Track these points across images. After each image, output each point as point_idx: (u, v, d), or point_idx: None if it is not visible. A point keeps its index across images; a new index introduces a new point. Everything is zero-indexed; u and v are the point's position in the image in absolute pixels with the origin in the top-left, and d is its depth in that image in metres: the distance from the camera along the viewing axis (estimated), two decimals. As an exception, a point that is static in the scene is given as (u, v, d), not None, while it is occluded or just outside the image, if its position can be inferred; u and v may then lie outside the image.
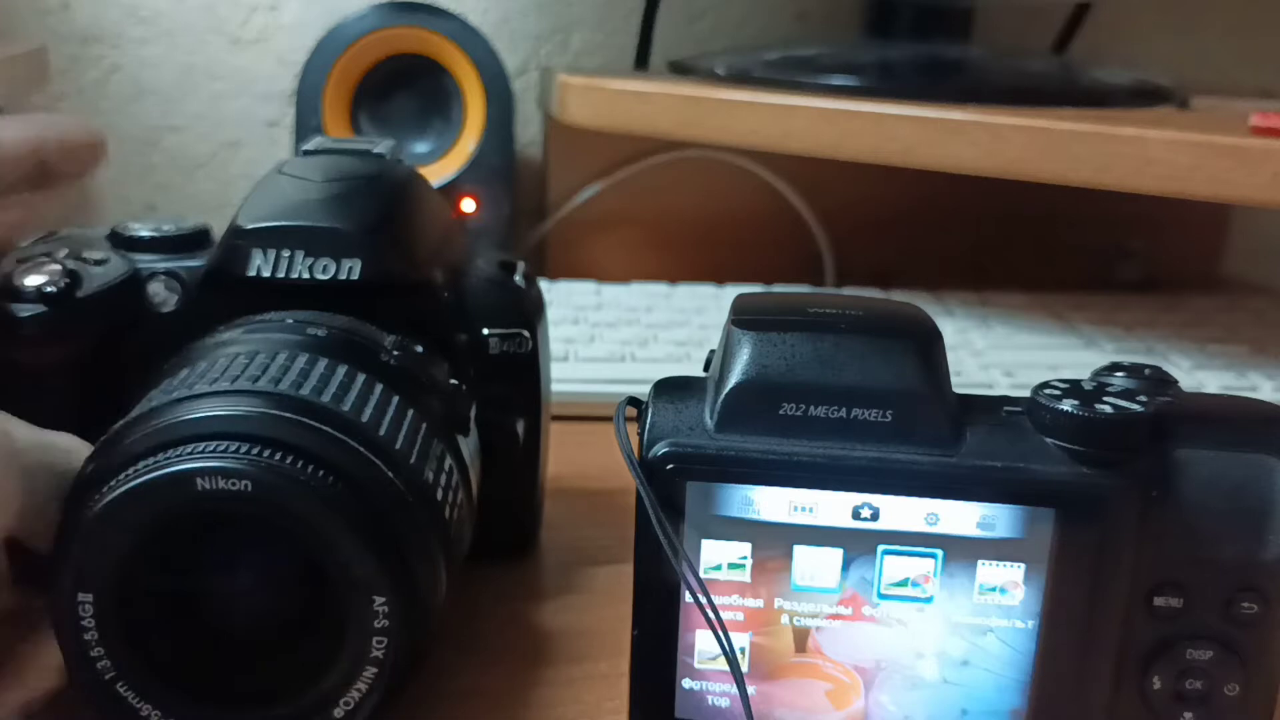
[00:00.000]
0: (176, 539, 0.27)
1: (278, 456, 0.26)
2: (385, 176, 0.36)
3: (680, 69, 0.67)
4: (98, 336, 0.34)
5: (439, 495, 0.29)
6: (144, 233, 0.35)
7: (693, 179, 0.71)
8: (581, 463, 0.46)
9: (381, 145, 0.37)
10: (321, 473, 0.26)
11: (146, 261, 0.35)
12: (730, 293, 0.63)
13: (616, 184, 0.71)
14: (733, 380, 0.27)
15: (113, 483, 0.26)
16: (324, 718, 0.27)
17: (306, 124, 0.66)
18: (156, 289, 0.35)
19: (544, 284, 0.63)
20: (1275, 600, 0.26)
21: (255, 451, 0.26)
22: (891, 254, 0.72)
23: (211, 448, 0.26)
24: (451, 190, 0.67)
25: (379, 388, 0.30)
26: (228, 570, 0.28)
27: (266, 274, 0.33)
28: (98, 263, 0.34)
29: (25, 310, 0.32)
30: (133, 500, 0.25)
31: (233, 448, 0.26)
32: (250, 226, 0.33)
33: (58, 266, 0.33)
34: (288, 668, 0.27)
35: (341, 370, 0.29)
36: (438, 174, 0.67)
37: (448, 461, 0.30)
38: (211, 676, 0.27)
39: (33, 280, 0.33)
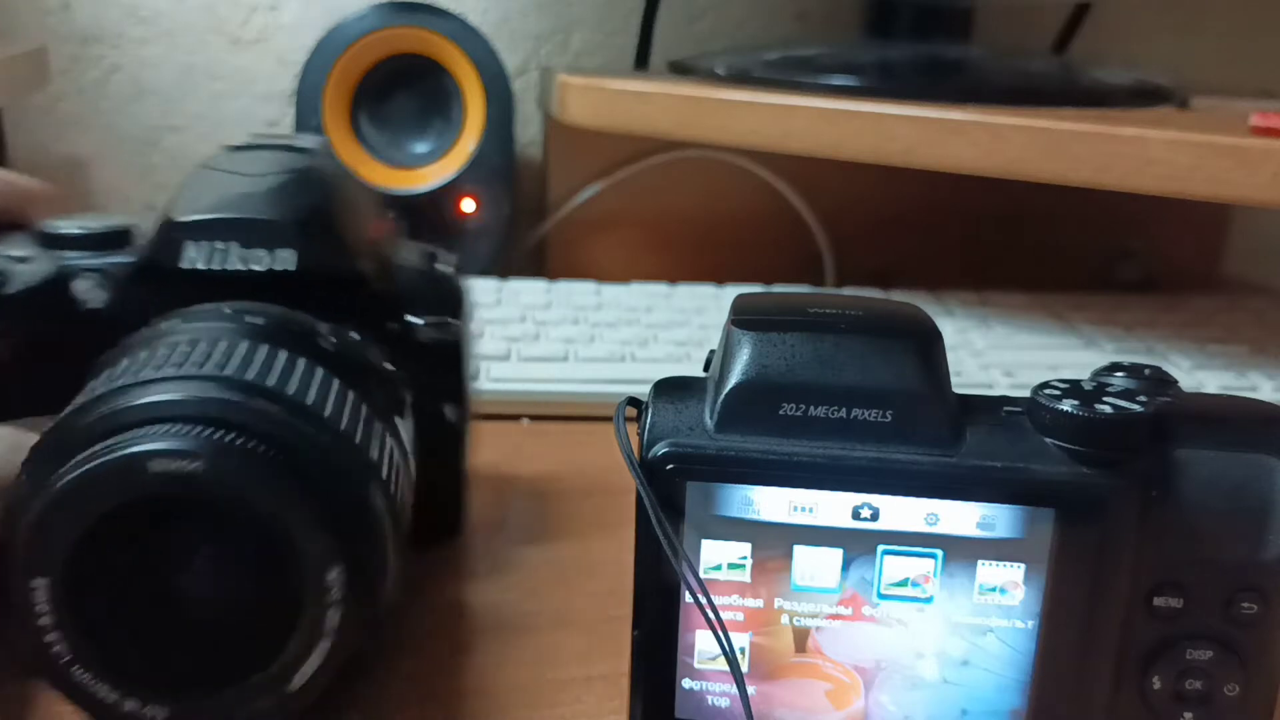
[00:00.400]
0: (130, 521, 0.27)
1: (229, 437, 0.26)
2: (315, 170, 0.36)
3: (680, 69, 0.67)
4: (25, 335, 0.34)
5: (384, 473, 0.29)
6: (69, 230, 0.35)
7: (693, 179, 0.71)
8: (581, 462, 0.46)
9: (310, 140, 0.38)
10: (273, 451, 0.26)
11: (72, 259, 0.34)
12: (730, 293, 0.63)
13: (616, 184, 0.71)
14: (733, 380, 0.27)
15: (64, 469, 0.26)
16: (280, 691, 0.27)
17: (306, 124, 0.66)
18: (82, 286, 0.34)
19: (544, 284, 0.63)
20: (1275, 600, 0.26)
21: (207, 433, 0.26)
22: (891, 254, 0.72)
23: (163, 430, 0.26)
24: (451, 190, 0.67)
25: (320, 372, 0.30)
26: (182, 550, 0.28)
27: (201, 266, 0.33)
28: (21, 260, 0.34)
29: None
30: (86, 485, 0.26)
31: (184, 430, 0.26)
32: (183, 220, 0.33)
33: None
34: (244, 645, 0.27)
35: (283, 355, 0.30)
36: (438, 174, 0.68)
37: (389, 442, 0.31)
38: (168, 656, 0.28)
39: None
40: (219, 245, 0.33)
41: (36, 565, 0.26)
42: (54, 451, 0.27)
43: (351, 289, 0.35)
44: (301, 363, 0.30)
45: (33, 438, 0.29)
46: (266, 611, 0.27)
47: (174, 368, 0.28)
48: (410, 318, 0.36)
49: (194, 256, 0.33)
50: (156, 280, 0.33)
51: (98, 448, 0.26)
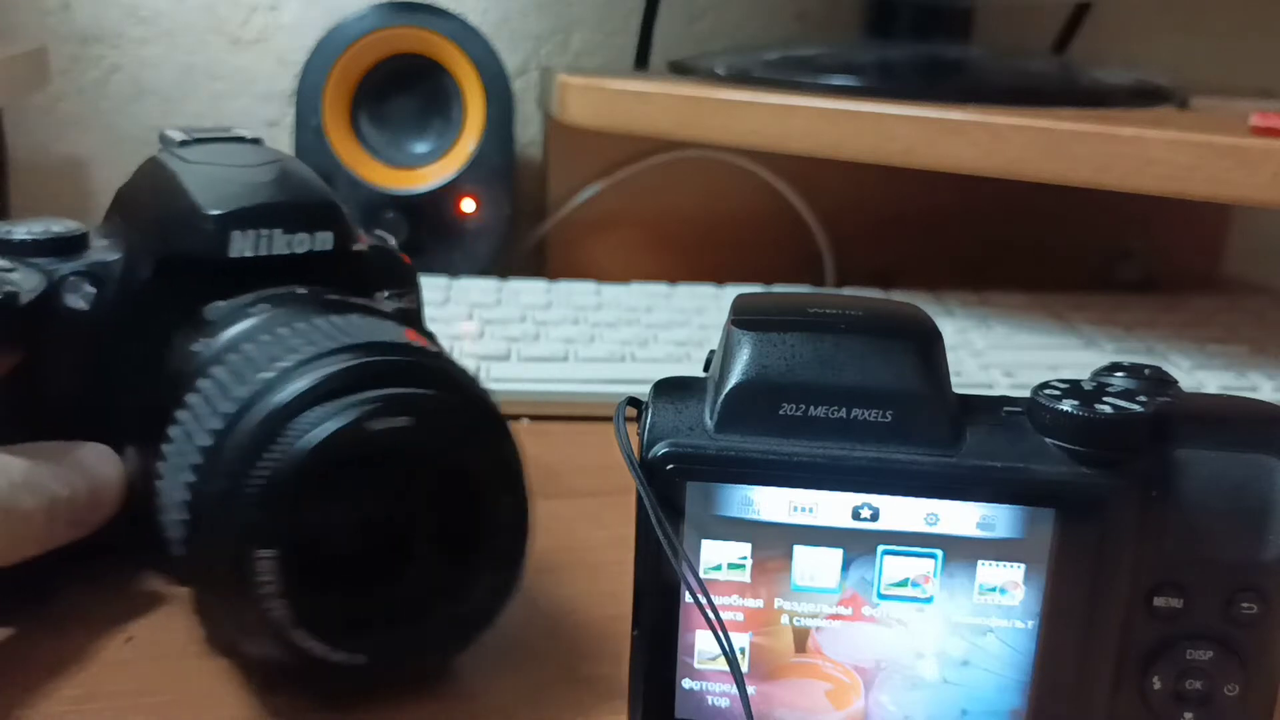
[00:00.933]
0: (340, 483, 0.28)
1: (423, 391, 0.29)
2: (292, 158, 0.37)
3: (680, 69, 0.67)
4: (30, 344, 0.34)
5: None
6: (28, 237, 0.34)
7: (693, 179, 0.71)
8: (581, 462, 0.46)
9: (246, 132, 0.39)
10: (454, 400, 0.30)
11: (48, 265, 0.34)
12: (730, 293, 0.63)
13: (616, 184, 0.71)
14: (733, 380, 0.27)
15: (280, 445, 0.27)
16: (457, 618, 0.30)
17: (306, 124, 0.66)
18: (70, 290, 0.34)
19: (544, 284, 0.63)
20: (1275, 600, 0.26)
21: (404, 393, 0.29)
22: (891, 254, 0.72)
23: (364, 396, 0.28)
24: (451, 190, 0.67)
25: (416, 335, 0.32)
26: (374, 503, 0.30)
27: (249, 253, 0.34)
28: (7, 270, 0.33)
29: None
30: (318, 452, 0.27)
31: (384, 393, 0.28)
32: (220, 211, 0.34)
33: None
34: (423, 581, 0.30)
35: (389, 323, 0.32)
36: (438, 174, 0.68)
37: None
38: (362, 604, 0.30)
39: None
40: (264, 232, 0.34)
41: (263, 537, 0.27)
42: (253, 436, 0.28)
43: (355, 265, 0.36)
44: (401, 327, 0.32)
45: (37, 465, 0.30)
46: (445, 550, 0.31)
47: (326, 341, 0.30)
48: (381, 291, 0.38)
49: (241, 245, 0.34)
50: (196, 272, 0.34)
51: (310, 418, 0.28)
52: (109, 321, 0.34)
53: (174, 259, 0.34)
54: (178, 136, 0.37)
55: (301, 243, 0.34)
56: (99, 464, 0.33)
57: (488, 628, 0.31)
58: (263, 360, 0.29)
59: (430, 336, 0.37)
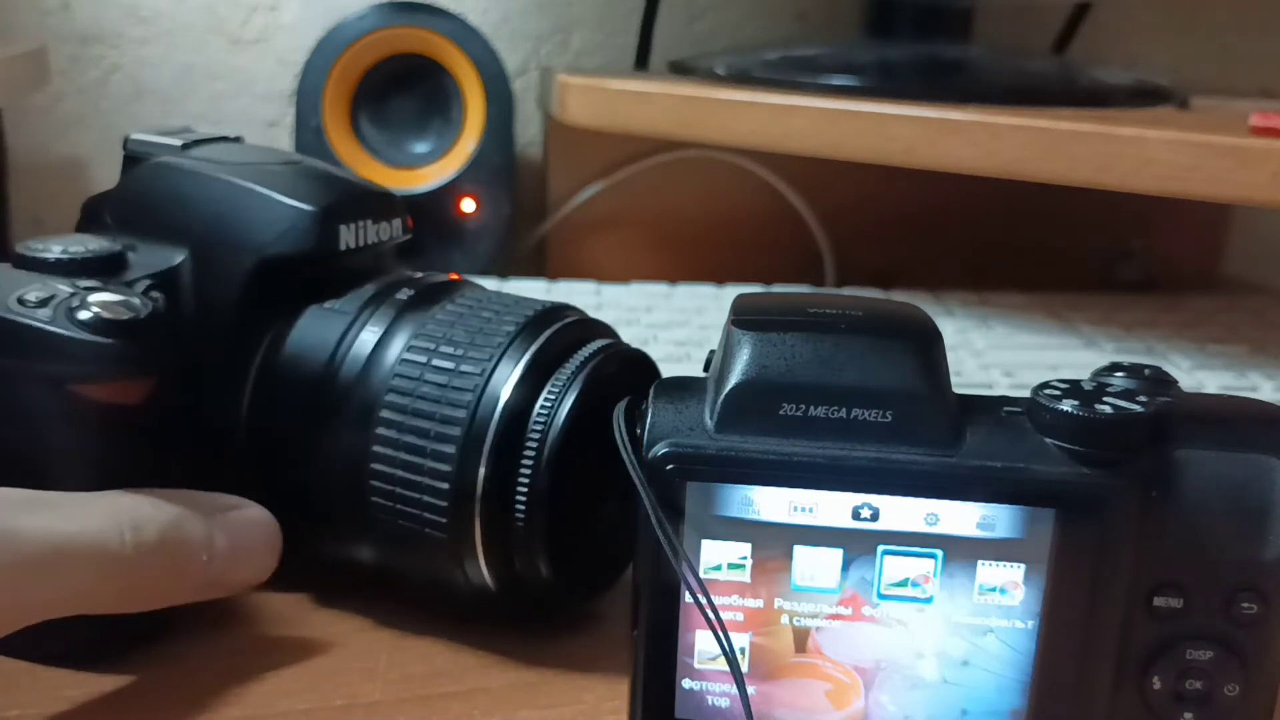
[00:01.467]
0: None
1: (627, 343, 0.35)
2: (298, 154, 0.39)
3: (680, 69, 0.67)
4: (160, 365, 0.31)
5: None
6: (64, 255, 0.32)
7: (693, 179, 0.71)
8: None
9: (231, 134, 0.39)
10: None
11: (115, 282, 0.32)
12: (730, 293, 0.63)
13: (616, 184, 0.71)
14: (733, 380, 0.27)
15: (555, 391, 0.31)
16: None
17: (306, 124, 0.66)
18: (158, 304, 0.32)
19: (544, 284, 0.63)
20: (1275, 600, 0.27)
21: (624, 344, 0.35)
22: (891, 254, 0.72)
23: (608, 344, 0.34)
24: (451, 190, 0.67)
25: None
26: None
27: (354, 245, 0.35)
28: (93, 288, 0.30)
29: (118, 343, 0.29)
30: (579, 395, 0.32)
31: (614, 343, 0.34)
32: (318, 206, 0.34)
33: (117, 296, 0.30)
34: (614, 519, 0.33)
35: (507, 294, 0.35)
36: (438, 174, 0.67)
37: None
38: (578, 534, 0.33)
39: (113, 313, 0.29)
40: (361, 224, 0.35)
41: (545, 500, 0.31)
42: (510, 414, 0.31)
43: (410, 251, 0.39)
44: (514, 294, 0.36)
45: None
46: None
47: (515, 314, 0.33)
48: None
49: (348, 238, 0.35)
50: (311, 269, 0.35)
51: (571, 363, 0.32)
52: (199, 332, 0.33)
53: (275, 260, 0.34)
54: (169, 141, 0.36)
55: (386, 231, 0.36)
56: (250, 525, 0.31)
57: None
58: (468, 344, 0.32)
59: None
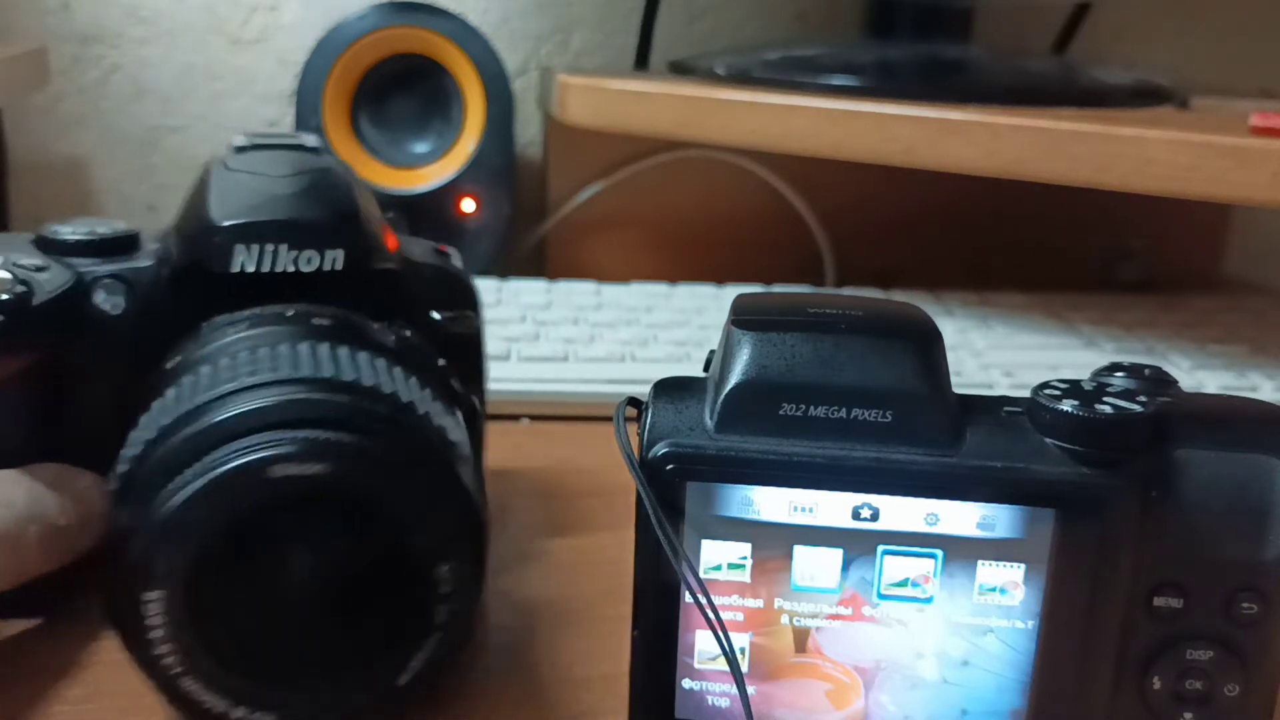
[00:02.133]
0: (242, 528, 0.27)
1: (346, 438, 0.27)
2: (334, 170, 0.36)
3: (680, 69, 0.67)
4: (48, 346, 0.32)
5: (474, 468, 0.30)
6: (73, 237, 0.34)
7: (693, 179, 0.71)
8: (581, 462, 0.46)
9: (311, 138, 0.37)
10: (388, 449, 0.27)
11: (85, 266, 0.33)
12: (730, 293, 0.63)
13: (616, 184, 0.71)
14: (733, 380, 0.27)
15: (180, 481, 0.26)
16: (388, 687, 0.28)
17: (306, 124, 0.66)
18: (102, 293, 0.33)
19: (544, 284, 0.63)
20: (1275, 600, 0.26)
21: (324, 436, 0.26)
22: (891, 254, 0.72)
23: (279, 436, 0.26)
24: (451, 190, 0.67)
25: (398, 370, 0.30)
26: (289, 552, 0.29)
27: (251, 269, 0.33)
28: (39, 269, 0.33)
29: None
30: (210, 494, 0.26)
31: (300, 434, 0.26)
32: (229, 223, 0.33)
33: (6, 275, 0.31)
34: (350, 643, 0.28)
35: (361, 354, 0.30)
36: (438, 174, 0.68)
37: (462, 436, 0.31)
38: (274, 659, 0.28)
39: None
40: (269, 247, 0.33)
41: (151, 579, 0.26)
42: (160, 466, 0.26)
43: (387, 285, 0.35)
44: (382, 362, 0.30)
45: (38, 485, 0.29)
46: (371, 608, 0.28)
47: (270, 372, 0.28)
48: (434, 313, 0.37)
49: (244, 259, 0.33)
50: (201, 284, 0.33)
51: (215, 456, 0.26)
52: (135, 329, 0.33)
53: (190, 269, 0.33)
54: (239, 141, 0.37)
55: (310, 260, 0.33)
56: (88, 492, 0.32)
57: (419, 701, 0.29)
58: (205, 385, 0.28)
59: (443, 371, 0.34)
